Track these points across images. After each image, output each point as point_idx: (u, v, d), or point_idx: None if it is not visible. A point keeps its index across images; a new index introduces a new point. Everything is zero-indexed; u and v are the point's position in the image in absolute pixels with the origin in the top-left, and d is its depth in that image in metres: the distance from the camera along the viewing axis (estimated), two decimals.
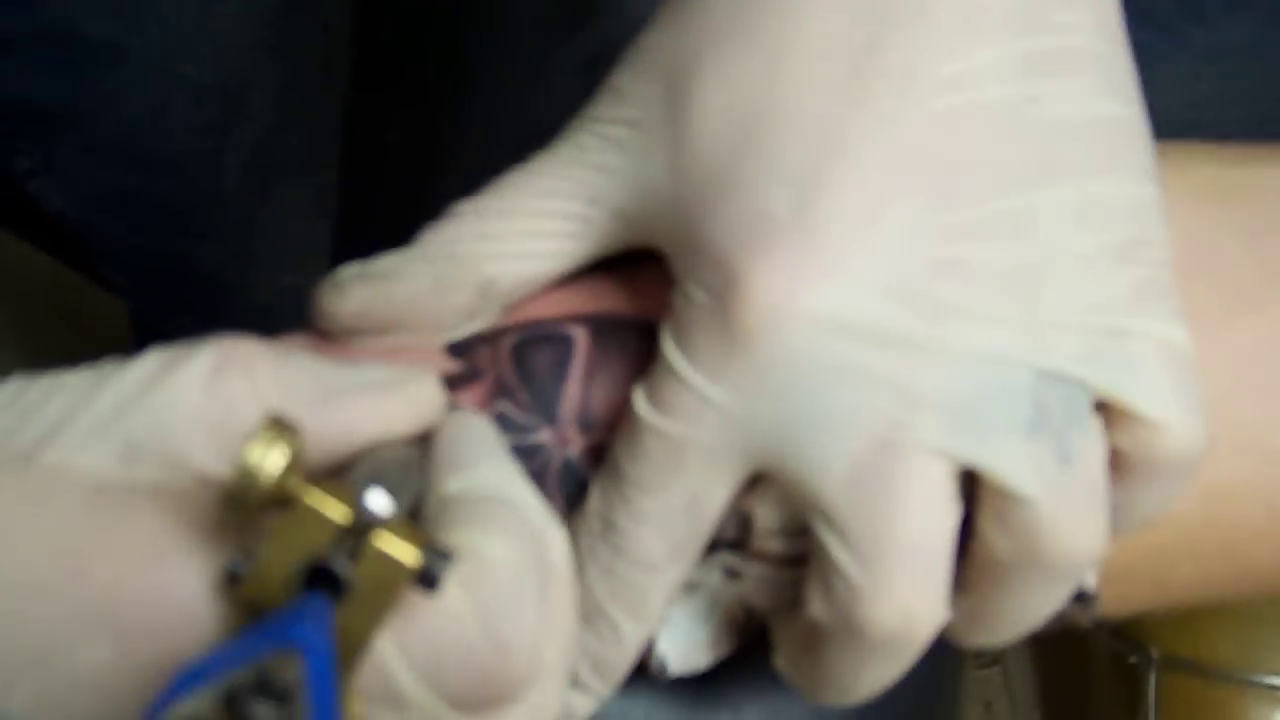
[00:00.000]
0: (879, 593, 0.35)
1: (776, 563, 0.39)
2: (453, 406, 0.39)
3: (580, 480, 0.40)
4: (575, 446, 0.40)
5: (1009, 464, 0.35)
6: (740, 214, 0.35)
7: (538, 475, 0.40)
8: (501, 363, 0.40)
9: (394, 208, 0.52)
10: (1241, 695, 0.82)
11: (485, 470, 0.35)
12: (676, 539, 0.38)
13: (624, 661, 0.39)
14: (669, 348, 0.37)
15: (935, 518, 0.35)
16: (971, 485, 0.36)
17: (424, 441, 0.37)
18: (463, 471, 0.35)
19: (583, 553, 0.38)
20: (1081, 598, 0.39)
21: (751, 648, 0.41)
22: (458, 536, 0.33)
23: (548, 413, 0.40)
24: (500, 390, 0.40)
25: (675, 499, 0.37)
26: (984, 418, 0.34)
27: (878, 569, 0.35)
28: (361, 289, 0.39)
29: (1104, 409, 0.36)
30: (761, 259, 0.35)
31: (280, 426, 0.30)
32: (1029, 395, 0.34)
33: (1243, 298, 0.42)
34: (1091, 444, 0.35)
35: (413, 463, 0.35)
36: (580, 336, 0.40)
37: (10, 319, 1.18)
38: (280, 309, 0.92)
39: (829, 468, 0.35)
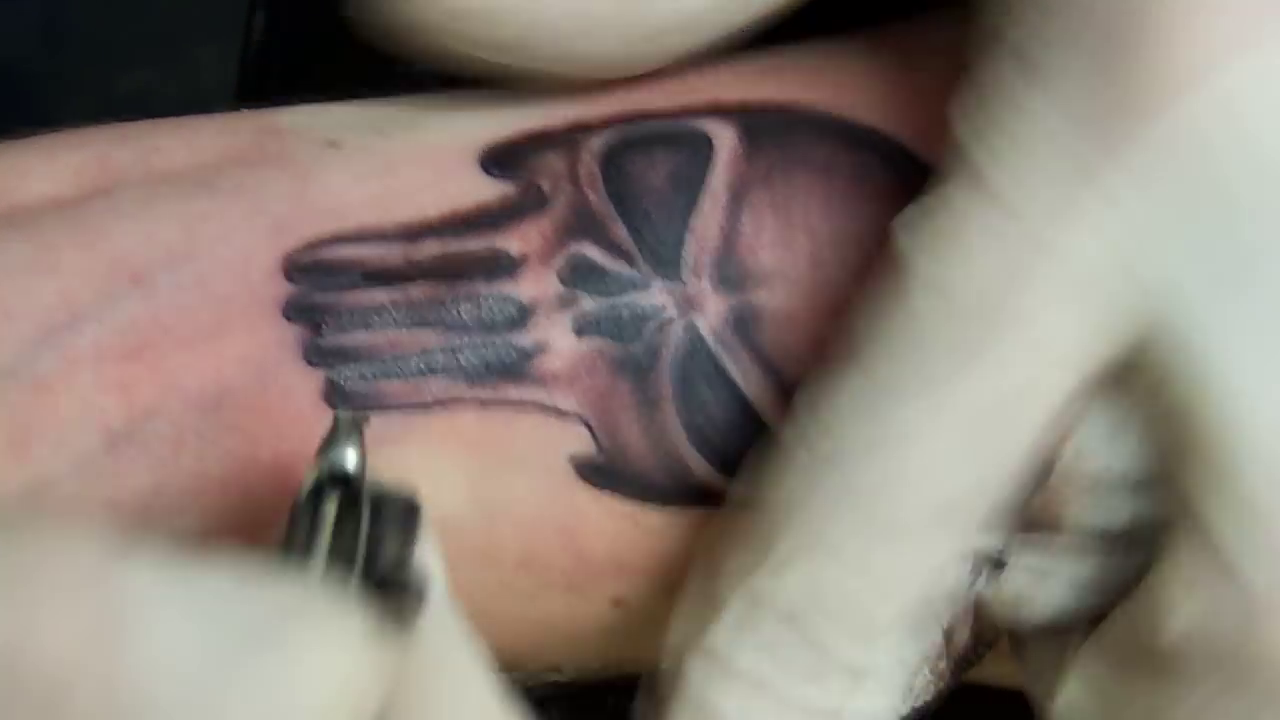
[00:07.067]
0: None
1: (1089, 541, 0.31)
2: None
3: (716, 370, 0.32)
4: (710, 312, 0.32)
5: None
6: None
7: (642, 363, 0.31)
8: (584, 179, 0.32)
9: None
10: None
11: None
12: (964, 479, 0.28)
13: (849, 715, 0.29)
14: (971, 143, 0.29)
15: None
16: None
17: None
18: None
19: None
20: None
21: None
22: None
23: (660, 255, 0.32)
24: (580, 223, 0.32)
25: (970, 397, 0.28)
26: None
27: None
28: None
29: None
30: None
31: None
32: None
33: None
34: None
35: None
36: (724, 138, 0.32)
37: None
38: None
39: (1247, 390, 0.28)
